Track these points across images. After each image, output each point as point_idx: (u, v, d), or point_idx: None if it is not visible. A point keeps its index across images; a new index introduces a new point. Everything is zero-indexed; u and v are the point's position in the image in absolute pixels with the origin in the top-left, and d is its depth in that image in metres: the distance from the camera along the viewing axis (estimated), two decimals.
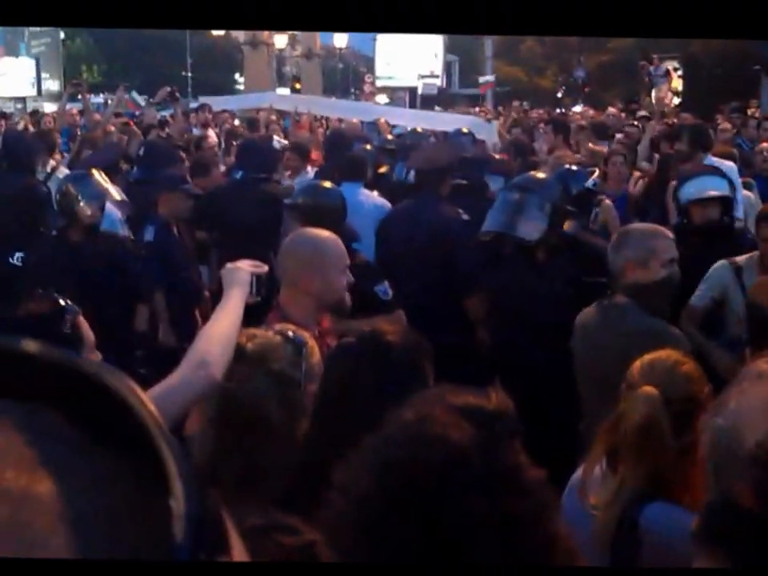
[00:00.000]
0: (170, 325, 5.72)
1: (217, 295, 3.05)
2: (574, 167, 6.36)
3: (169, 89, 12.13)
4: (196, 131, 11.75)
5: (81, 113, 13.15)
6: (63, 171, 8.16)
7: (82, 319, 2.43)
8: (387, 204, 6.49)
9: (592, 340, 3.85)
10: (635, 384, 2.53)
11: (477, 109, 20.86)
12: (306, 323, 3.27)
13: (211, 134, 10.89)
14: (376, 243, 5.68)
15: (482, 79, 28.25)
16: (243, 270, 2.70)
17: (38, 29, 44.54)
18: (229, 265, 2.75)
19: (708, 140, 7.94)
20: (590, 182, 5.95)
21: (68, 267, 5.04)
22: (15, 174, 7.12)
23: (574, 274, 4.62)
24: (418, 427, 1.35)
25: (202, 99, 16.00)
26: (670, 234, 3.96)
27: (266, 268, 2.83)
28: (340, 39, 40.58)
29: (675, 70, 23.41)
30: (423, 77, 38.08)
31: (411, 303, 4.81)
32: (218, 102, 14.57)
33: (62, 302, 2.42)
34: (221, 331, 2.40)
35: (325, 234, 3.53)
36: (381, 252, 5.60)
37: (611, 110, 18.54)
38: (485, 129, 11.93)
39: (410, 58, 40.02)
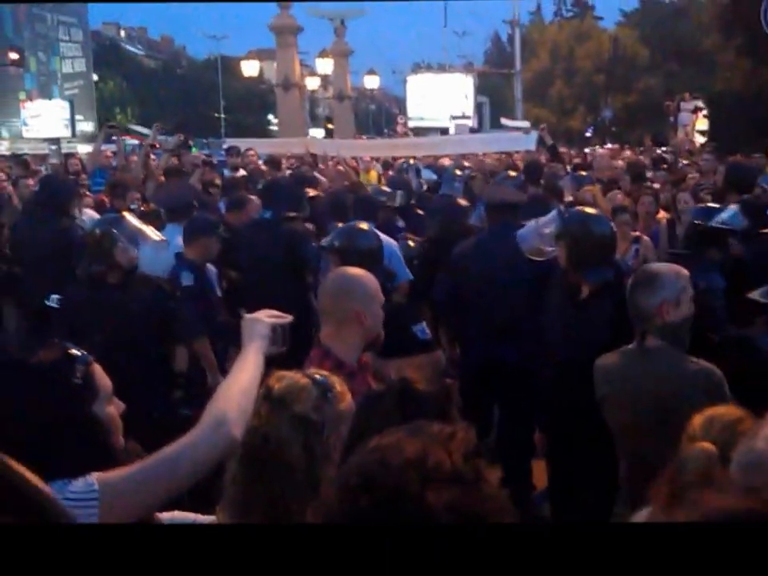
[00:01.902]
0: (218, 368, 5.62)
1: None
2: (712, 204, 6.13)
3: (182, 136, 12.45)
4: (227, 172, 11.87)
5: (115, 154, 13.34)
6: (90, 214, 8.25)
7: (96, 368, 2.34)
8: (393, 242, 6.48)
9: (628, 386, 3.83)
10: (695, 438, 2.53)
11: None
12: (348, 358, 3.35)
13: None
14: (452, 272, 6.03)
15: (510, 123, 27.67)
16: (262, 322, 2.63)
17: (71, 70, 45.41)
18: (248, 316, 2.69)
19: (745, 181, 7.49)
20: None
21: (105, 310, 5.10)
22: (51, 217, 7.20)
23: (613, 316, 4.54)
24: (376, 445, 1.45)
25: (232, 141, 16.02)
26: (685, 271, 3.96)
27: (289, 318, 2.73)
28: (371, 81, 40.86)
29: (700, 109, 23.29)
30: (455, 117, 38.20)
31: (492, 327, 5.65)
32: (250, 145, 14.48)
33: (73, 351, 2.32)
34: (239, 388, 2.37)
35: (363, 271, 3.61)
36: (459, 280, 5.93)
37: (627, 152, 18.59)
38: (525, 140, 11.72)
39: (440, 98, 40.27)
